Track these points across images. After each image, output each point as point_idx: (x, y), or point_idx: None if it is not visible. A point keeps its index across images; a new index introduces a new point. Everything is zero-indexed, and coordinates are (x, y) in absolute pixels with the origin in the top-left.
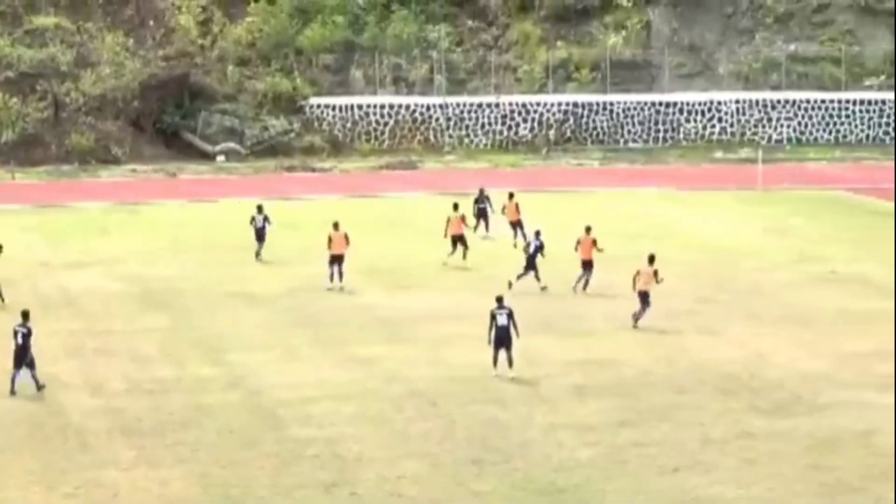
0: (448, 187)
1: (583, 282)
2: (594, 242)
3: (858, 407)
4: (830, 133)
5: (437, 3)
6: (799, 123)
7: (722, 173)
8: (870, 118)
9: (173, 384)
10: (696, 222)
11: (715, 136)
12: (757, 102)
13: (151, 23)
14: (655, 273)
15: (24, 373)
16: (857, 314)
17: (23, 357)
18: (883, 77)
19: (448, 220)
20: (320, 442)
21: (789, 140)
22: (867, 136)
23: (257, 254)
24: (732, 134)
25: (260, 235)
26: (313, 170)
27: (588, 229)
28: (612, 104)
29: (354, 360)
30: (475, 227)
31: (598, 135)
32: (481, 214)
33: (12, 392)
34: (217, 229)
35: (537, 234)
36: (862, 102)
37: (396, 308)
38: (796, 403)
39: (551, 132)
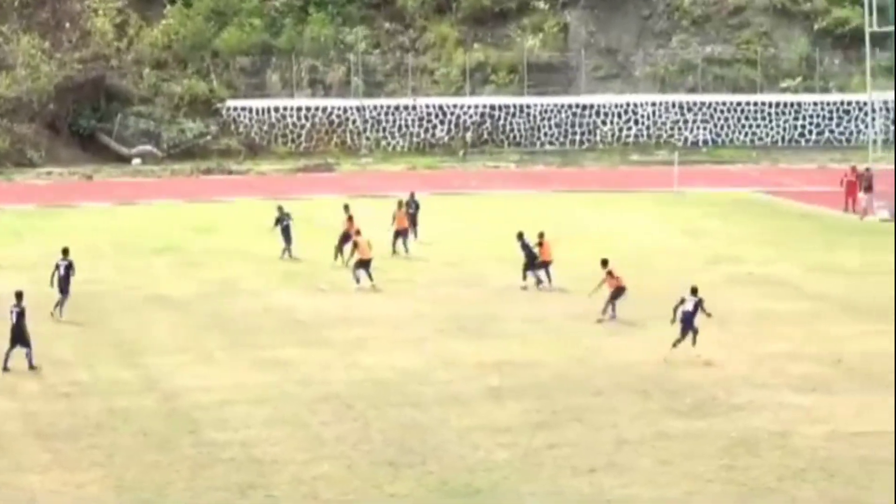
0: (364, 190)
1: (544, 280)
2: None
3: (774, 407)
4: (746, 135)
5: (354, 6)
6: (715, 125)
7: (638, 175)
8: (785, 120)
9: (88, 387)
10: (612, 224)
11: (631, 139)
12: (673, 105)
13: (67, 25)
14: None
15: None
16: (773, 315)
17: (18, 336)
18: (799, 79)
19: (394, 217)
20: (236, 445)
21: (705, 142)
22: (783, 137)
23: (289, 253)
24: (649, 136)
25: (287, 235)
26: (230, 172)
27: (541, 234)
28: (528, 106)
29: (269, 362)
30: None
31: (514, 137)
32: (411, 220)
33: (4, 368)
34: (133, 232)
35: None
36: (778, 105)
37: (311, 311)
38: (712, 404)
39: (468, 134)
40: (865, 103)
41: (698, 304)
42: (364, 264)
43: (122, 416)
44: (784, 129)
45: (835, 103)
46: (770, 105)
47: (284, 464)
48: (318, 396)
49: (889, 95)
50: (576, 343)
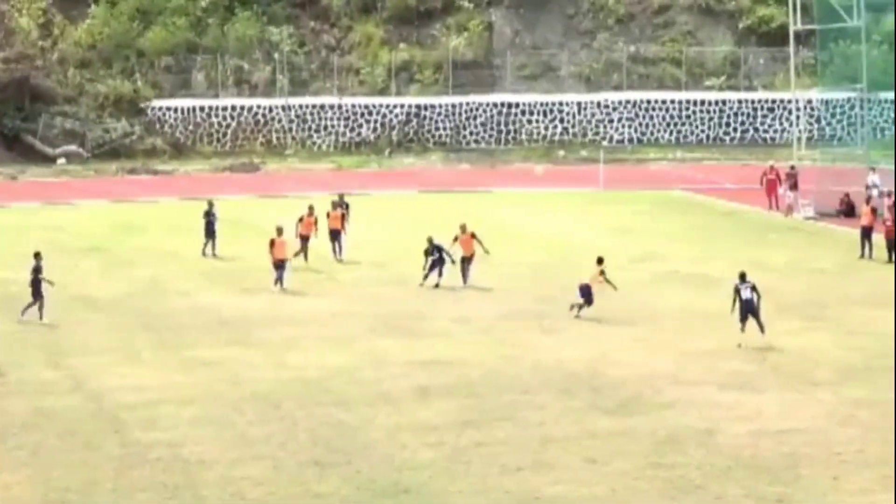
0: (290, 189)
1: (464, 277)
2: (473, 236)
3: (700, 405)
4: (671, 133)
5: (280, 5)
6: (640, 124)
7: (564, 174)
8: (710, 118)
9: (14, 387)
10: (539, 222)
11: (557, 137)
12: (598, 103)
13: None
14: (602, 273)
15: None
16: (699, 313)
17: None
18: (723, 78)
19: (328, 215)
20: (163, 445)
21: (631, 140)
22: (708, 136)
23: (212, 250)
24: (574, 134)
25: (210, 231)
26: (155, 172)
27: (463, 227)
28: (454, 105)
29: (196, 362)
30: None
31: (440, 136)
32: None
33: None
34: (58, 232)
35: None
36: (702, 103)
37: (238, 310)
38: (638, 402)
39: (394, 133)
40: (790, 101)
41: (754, 289)
42: (279, 264)
43: (48, 417)
44: (709, 128)
45: (759, 101)
46: (695, 103)
47: (211, 464)
48: (246, 396)
49: (811, 94)
50: (504, 342)
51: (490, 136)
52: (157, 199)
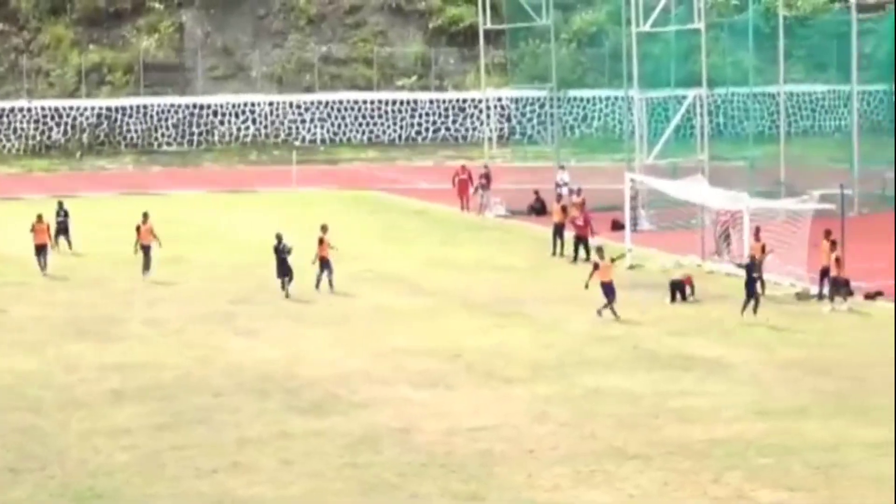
0: None
1: (325, 280)
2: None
3: (395, 403)
4: (364, 133)
5: None
6: (332, 124)
7: (257, 175)
8: (402, 118)
9: None
10: (232, 224)
11: (249, 138)
12: (291, 104)
13: None
14: (613, 260)
15: None
16: (392, 311)
17: None
18: (414, 77)
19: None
20: None
21: (323, 141)
22: (400, 136)
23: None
24: (267, 135)
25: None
26: None
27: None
28: (145, 107)
29: None
30: (55, 244)
31: (132, 138)
32: (62, 230)
33: None
34: None
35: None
36: (394, 103)
37: None
38: (334, 402)
39: (85, 136)
40: (481, 101)
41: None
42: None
43: None
44: (401, 128)
45: (450, 101)
46: (386, 103)
47: None
48: None
49: (502, 93)
50: (198, 344)
51: (183, 138)
52: None
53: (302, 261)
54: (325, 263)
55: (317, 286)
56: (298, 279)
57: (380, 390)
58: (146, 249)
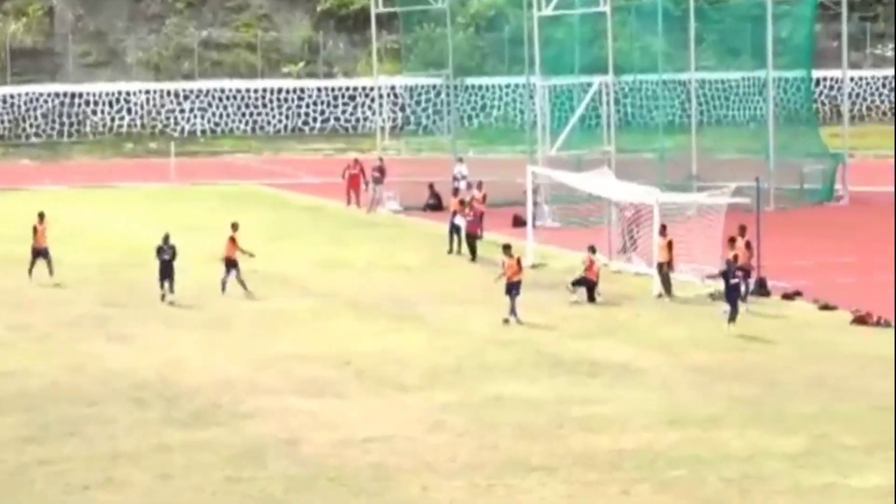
0: None
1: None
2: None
3: (281, 413)
4: (247, 123)
5: None
6: (213, 114)
7: (132, 168)
8: (288, 107)
9: None
10: (104, 221)
11: (124, 129)
12: (168, 92)
13: None
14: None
15: None
16: (279, 315)
17: None
18: (301, 64)
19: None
20: None
21: (203, 132)
22: (286, 126)
23: None
24: (143, 126)
25: None
26: None
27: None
28: (12, 96)
29: None
30: None
31: None
32: None
33: None
34: None
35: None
36: (280, 91)
37: None
38: (215, 412)
39: None
40: (372, 88)
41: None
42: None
43: None
44: (287, 117)
45: (340, 89)
46: (272, 91)
47: None
48: None
49: (396, 80)
50: (67, 351)
51: (52, 128)
52: None
53: (185, 263)
54: (231, 264)
55: (223, 289)
56: (180, 280)
57: (265, 399)
58: (44, 252)
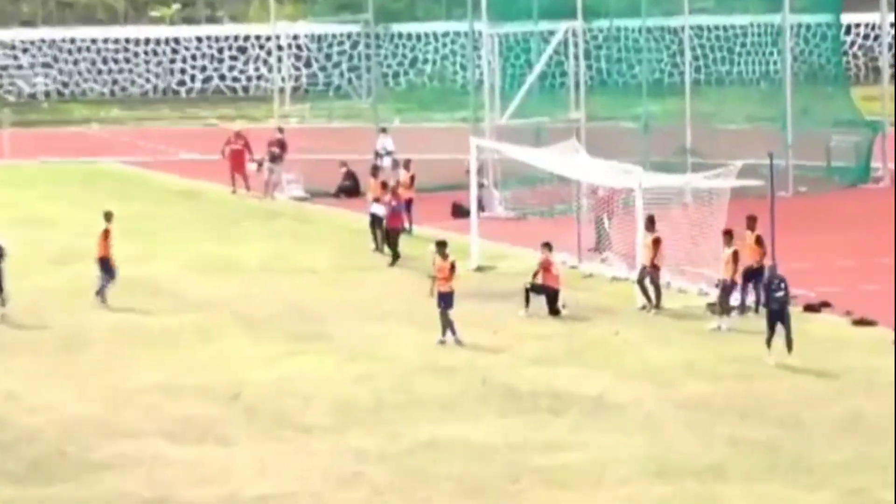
0: None
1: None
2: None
3: (147, 463)
4: (105, 84)
5: None
6: (60, 71)
7: None
8: (159, 62)
9: None
10: None
11: None
12: (3, 43)
13: None
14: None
15: None
16: (142, 333)
17: None
18: (176, 6)
19: None
20: None
21: (48, 94)
22: (155, 87)
23: None
24: None
25: None
26: None
27: None
28: None
29: None
30: None
31: None
32: None
33: None
34: None
35: None
36: (147, 42)
37: None
38: (60, 462)
39: None
40: (269, 38)
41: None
42: None
43: None
44: (157, 76)
45: (226, 39)
46: (137, 43)
47: None
48: None
49: (299, 28)
50: None
51: None
52: None
53: (20, 266)
54: (107, 266)
55: (102, 300)
56: (13, 288)
57: (125, 445)
58: None
